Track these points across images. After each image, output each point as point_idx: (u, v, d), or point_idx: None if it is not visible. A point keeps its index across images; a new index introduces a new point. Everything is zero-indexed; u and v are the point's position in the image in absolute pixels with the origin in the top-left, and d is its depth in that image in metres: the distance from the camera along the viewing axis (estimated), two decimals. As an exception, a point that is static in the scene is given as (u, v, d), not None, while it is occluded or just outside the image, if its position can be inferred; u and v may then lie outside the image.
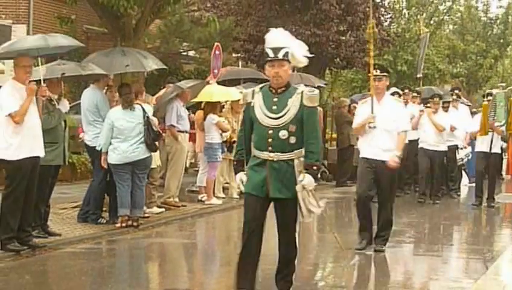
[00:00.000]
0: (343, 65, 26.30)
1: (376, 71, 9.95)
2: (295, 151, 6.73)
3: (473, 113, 18.07)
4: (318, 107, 7.13)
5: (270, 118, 6.73)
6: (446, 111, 16.16)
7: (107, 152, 11.18)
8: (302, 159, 6.72)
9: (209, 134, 14.20)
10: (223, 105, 15.35)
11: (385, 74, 9.98)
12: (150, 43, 20.25)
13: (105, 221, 11.48)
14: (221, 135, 14.33)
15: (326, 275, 9.23)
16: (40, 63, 9.93)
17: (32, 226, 9.64)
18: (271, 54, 6.82)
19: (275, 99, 6.79)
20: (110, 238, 10.85)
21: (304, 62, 6.93)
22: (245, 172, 6.90)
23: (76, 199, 12.89)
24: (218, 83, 16.33)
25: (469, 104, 21.59)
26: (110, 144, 11.17)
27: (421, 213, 14.64)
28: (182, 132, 13.57)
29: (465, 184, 18.98)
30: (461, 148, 17.10)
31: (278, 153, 6.70)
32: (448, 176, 17.17)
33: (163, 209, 12.94)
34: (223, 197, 14.82)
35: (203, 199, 14.31)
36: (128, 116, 11.19)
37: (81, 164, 16.67)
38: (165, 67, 13.85)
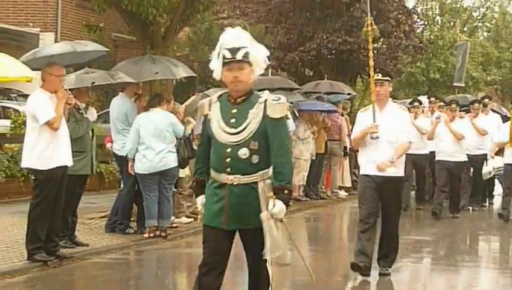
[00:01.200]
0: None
1: (377, 75, 8.80)
2: (259, 172, 5.50)
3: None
4: (287, 118, 5.67)
5: (228, 133, 5.51)
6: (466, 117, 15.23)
7: (133, 159, 11.07)
8: (269, 181, 5.50)
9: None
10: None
11: (388, 78, 8.82)
12: (179, 51, 20.21)
13: (133, 231, 11.38)
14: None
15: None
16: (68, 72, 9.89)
17: (60, 236, 9.57)
18: (228, 55, 5.49)
19: (234, 111, 5.53)
20: (138, 248, 10.74)
21: (263, 67, 5.70)
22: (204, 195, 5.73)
23: (104, 208, 12.81)
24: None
25: (507, 113, 20.80)
26: (137, 151, 11.04)
27: (441, 227, 13.91)
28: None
29: (499, 193, 17.99)
30: (489, 159, 15.99)
31: (239, 176, 5.49)
32: (475, 187, 16.30)
33: (192, 219, 12.81)
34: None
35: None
36: (154, 122, 11.06)
37: (109, 173, 16.60)
38: (194, 75, 13.76)
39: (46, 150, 8.87)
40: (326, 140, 17.33)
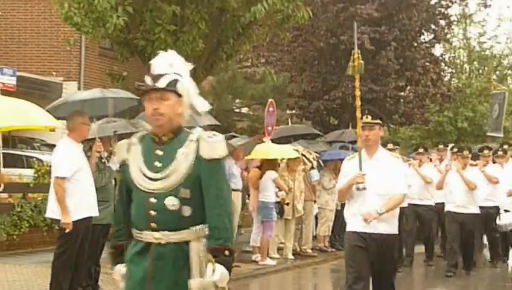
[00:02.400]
0: (401, 122, 25.91)
1: (366, 117, 7.65)
2: (193, 228, 4.37)
3: None
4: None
5: (152, 179, 4.39)
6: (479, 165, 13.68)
7: None
8: (205, 240, 4.39)
9: (265, 192, 13.88)
10: (279, 163, 15.04)
11: (378, 121, 7.69)
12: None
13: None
14: (276, 194, 14.01)
15: None
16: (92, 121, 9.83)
17: (83, 286, 9.46)
18: (148, 82, 4.38)
19: (159, 152, 4.43)
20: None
21: (202, 106, 4.56)
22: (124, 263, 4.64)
23: (128, 259, 12.60)
24: (272, 141, 16.07)
25: None
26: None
27: (455, 287, 12.72)
28: (235, 190, 13.29)
29: None
30: (504, 212, 14.19)
31: (166, 233, 4.36)
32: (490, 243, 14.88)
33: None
34: (278, 258, 14.40)
35: (257, 259, 13.92)
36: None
37: (132, 222, 16.45)
38: (218, 123, 13.65)
39: (72, 201, 8.76)
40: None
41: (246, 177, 14.55)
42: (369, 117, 7.66)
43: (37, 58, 22.78)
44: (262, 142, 15.18)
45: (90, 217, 9.01)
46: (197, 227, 4.38)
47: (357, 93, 7.94)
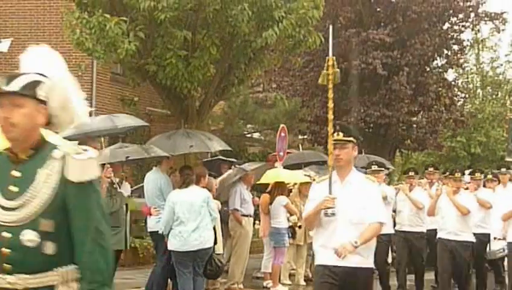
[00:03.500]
0: (414, 147, 25.80)
1: (338, 134, 6.60)
2: (57, 270, 3.48)
3: None
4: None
5: (4, 208, 3.47)
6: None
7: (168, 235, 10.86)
8: (76, 286, 3.50)
9: (276, 218, 13.78)
10: (291, 189, 14.96)
11: (351, 139, 6.65)
12: (214, 124, 20.21)
13: (167, 308, 11.08)
14: (287, 219, 13.92)
15: None
16: (103, 146, 9.85)
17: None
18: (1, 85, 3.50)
19: (15, 173, 3.52)
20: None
21: (80, 115, 3.71)
22: None
23: (139, 284, 12.61)
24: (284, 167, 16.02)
25: None
26: (171, 229, 10.83)
27: None
28: (246, 215, 13.22)
29: None
30: (494, 239, 13.06)
31: (23, 276, 3.45)
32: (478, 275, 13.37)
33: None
34: (289, 284, 14.29)
35: (268, 286, 13.82)
36: (189, 198, 10.86)
37: (143, 248, 16.38)
38: (229, 148, 13.63)
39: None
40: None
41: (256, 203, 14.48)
42: (341, 134, 6.62)
43: (49, 83, 22.94)
44: (274, 167, 15.13)
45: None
46: (64, 268, 3.49)
47: (330, 105, 6.84)
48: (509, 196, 12.21)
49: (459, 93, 28.57)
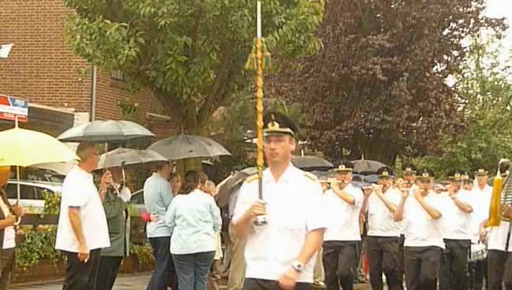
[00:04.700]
0: (414, 152, 25.77)
1: (272, 124, 5.49)
2: None
3: None
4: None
5: None
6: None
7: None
8: None
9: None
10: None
11: (288, 130, 5.54)
12: (214, 130, 20.19)
13: (167, 314, 11.04)
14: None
15: None
16: (105, 151, 9.83)
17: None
18: None
19: None
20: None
21: None
22: None
23: (138, 291, 12.52)
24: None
25: None
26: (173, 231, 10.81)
27: None
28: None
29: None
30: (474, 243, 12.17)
31: None
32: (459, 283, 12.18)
33: (226, 303, 12.44)
34: None
35: (268, 292, 13.74)
36: (191, 203, 10.84)
37: (143, 254, 16.33)
38: (229, 154, 13.60)
39: (83, 233, 8.68)
40: (364, 222, 16.92)
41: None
42: (276, 124, 5.50)
43: (49, 89, 22.98)
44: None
45: (100, 249, 8.94)
46: None
47: (259, 94, 5.63)
48: (487, 200, 9.94)
49: (459, 98, 28.55)
